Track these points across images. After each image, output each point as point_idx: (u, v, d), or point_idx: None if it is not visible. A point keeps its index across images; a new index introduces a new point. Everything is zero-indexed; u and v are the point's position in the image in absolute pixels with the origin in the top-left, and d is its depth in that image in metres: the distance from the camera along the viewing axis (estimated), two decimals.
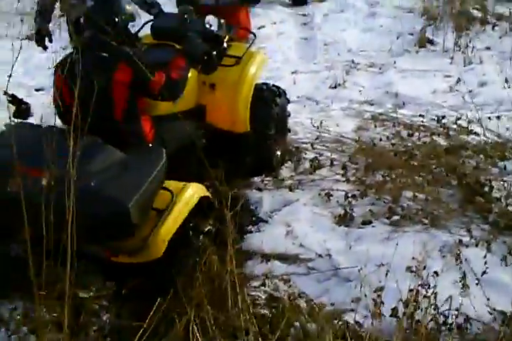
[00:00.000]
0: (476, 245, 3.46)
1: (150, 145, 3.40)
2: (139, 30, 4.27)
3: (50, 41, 4.73)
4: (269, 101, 4.34)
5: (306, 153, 4.64)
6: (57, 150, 2.81)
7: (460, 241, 3.48)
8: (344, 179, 4.24)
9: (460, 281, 3.05)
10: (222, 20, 4.04)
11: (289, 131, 4.86)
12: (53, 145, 2.81)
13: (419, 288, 2.74)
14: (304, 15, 8.14)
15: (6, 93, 3.25)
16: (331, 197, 4.06)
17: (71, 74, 3.07)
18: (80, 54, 3.02)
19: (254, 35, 4.56)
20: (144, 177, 2.83)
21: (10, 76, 2.42)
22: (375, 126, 5.03)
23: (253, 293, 3.19)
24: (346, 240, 3.68)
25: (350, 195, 3.99)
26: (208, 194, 3.37)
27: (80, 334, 2.61)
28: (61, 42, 5.91)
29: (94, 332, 2.70)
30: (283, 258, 3.58)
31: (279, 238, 3.72)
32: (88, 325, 2.71)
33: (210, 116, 4.13)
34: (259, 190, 4.28)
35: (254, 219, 3.99)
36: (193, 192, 3.21)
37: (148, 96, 3.40)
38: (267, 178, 4.42)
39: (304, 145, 4.73)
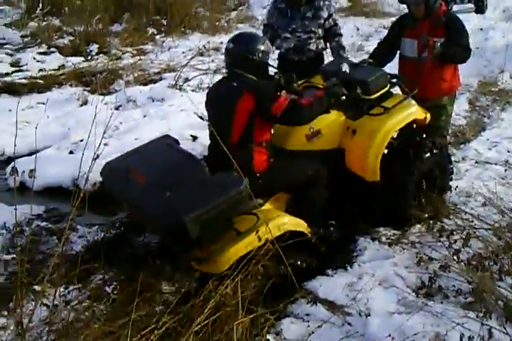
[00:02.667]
0: None
1: (258, 174, 3.71)
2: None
3: None
4: (410, 155, 4.25)
5: (450, 219, 4.34)
6: (161, 162, 3.63)
7: None
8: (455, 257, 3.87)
9: None
10: None
11: (450, 190, 4.57)
12: (161, 158, 3.67)
13: None
14: None
15: None
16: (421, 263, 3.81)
17: (211, 98, 3.88)
18: (220, 83, 3.93)
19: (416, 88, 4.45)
20: (214, 199, 3.19)
21: None
22: None
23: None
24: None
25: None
26: (303, 229, 3.63)
27: None
28: None
29: None
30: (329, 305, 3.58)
31: (340, 287, 3.70)
32: None
33: (347, 161, 4.26)
34: (373, 239, 4.23)
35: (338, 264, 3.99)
36: (283, 223, 3.52)
37: (270, 119, 3.71)
38: (394, 231, 4.31)
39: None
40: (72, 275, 3.50)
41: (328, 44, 5.37)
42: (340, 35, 5.33)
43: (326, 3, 5.20)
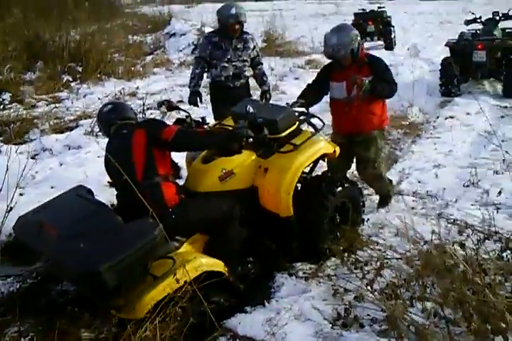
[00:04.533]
0: None
1: (171, 209, 3.76)
2: None
3: (201, 101, 6.23)
4: (323, 189, 4.42)
5: (364, 250, 4.49)
6: (72, 214, 3.62)
7: None
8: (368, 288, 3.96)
9: None
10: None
11: (362, 223, 4.77)
12: (71, 209, 3.66)
13: None
14: (505, 107, 7.63)
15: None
16: (337, 294, 3.93)
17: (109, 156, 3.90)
18: (110, 142, 4.10)
19: (323, 123, 4.72)
20: (127, 246, 3.19)
21: None
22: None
23: None
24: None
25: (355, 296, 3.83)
26: (220, 269, 3.68)
27: None
28: None
29: None
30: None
31: (258, 323, 3.76)
32: None
33: (261, 198, 4.38)
34: (290, 275, 4.33)
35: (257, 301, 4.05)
36: (199, 264, 3.56)
37: (163, 144, 3.84)
38: (311, 265, 4.44)
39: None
40: None
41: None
42: (262, 63, 6.43)
43: (250, 37, 6.21)
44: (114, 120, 4.06)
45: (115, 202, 4.38)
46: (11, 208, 3.01)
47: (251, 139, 4.08)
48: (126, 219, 3.47)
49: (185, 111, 4.71)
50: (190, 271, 3.40)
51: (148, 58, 13.50)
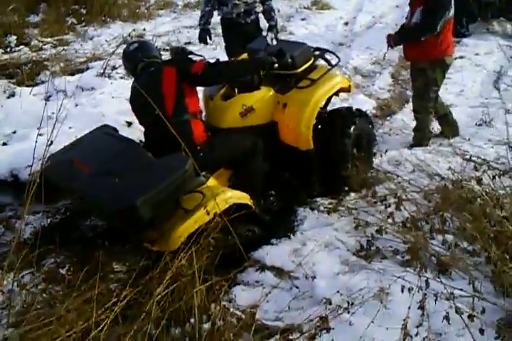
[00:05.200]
0: None
1: (198, 147, 3.86)
2: None
3: (210, 39, 6.42)
4: (344, 121, 4.56)
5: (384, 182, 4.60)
6: (103, 151, 3.68)
7: None
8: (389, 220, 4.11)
9: None
10: None
11: (374, 155, 4.91)
12: (102, 147, 3.73)
13: None
14: None
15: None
16: (359, 227, 4.06)
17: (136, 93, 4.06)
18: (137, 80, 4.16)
19: (339, 59, 4.83)
20: (160, 180, 3.30)
21: None
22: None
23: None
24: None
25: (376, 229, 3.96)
26: (247, 202, 3.78)
27: None
28: None
29: None
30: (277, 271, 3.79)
31: (285, 254, 3.90)
32: None
33: (281, 133, 4.47)
34: (312, 209, 4.46)
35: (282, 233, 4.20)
36: (228, 197, 3.66)
37: (194, 78, 3.92)
38: (331, 200, 4.55)
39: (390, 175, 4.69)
40: (25, 261, 3.53)
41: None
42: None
43: None
44: (140, 58, 4.09)
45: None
46: (51, 142, 3.07)
47: (276, 65, 4.07)
48: (153, 156, 3.56)
49: (199, 55, 4.73)
50: (220, 203, 3.50)
51: (152, 1, 13.26)
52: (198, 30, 6.47)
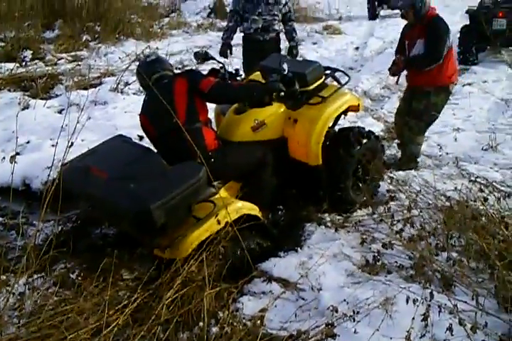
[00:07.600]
0: None
1: (210, 153, 3.95)
2: None
3: (231, 53, 6.63)
4: (349, 140, 4.63)
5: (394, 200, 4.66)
6: (119, 158, 3.77)
7: None
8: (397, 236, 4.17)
9: None
10: None
11: (382, 178, 5.00)
12: (119, 154, 3.81)
13: None
14: None
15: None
16: (365, 243, 4.14)
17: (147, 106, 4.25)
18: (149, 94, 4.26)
19: (349, 78, 4.92)
20: (175, 187, 3.39)
21: None
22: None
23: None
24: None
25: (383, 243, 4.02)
26: (256, 213, 3.86)
27: None
28: None
29: None
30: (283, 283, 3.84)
31: (292, 266, 3.96)
32: None
33: (290, 149, 4.57)
34: (319, 224, 4.53)
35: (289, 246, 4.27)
36: (239, 207, 3.76)
37: (201, 94, 4.03)
38: (338, 216, 4.63)
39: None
40: (36, 265, 3.60)
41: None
42: (294, 20, 6.76)
43: None
44: (157, 69, 4.20)
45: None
46: (72, 143, 3.18)
47: (282, 93, 4.19)
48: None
49: (220, 62, 4.86)
50: (231, 213, 3.59)
51: (165, 20, 13.51)
52: (211, 49, 6.63)
